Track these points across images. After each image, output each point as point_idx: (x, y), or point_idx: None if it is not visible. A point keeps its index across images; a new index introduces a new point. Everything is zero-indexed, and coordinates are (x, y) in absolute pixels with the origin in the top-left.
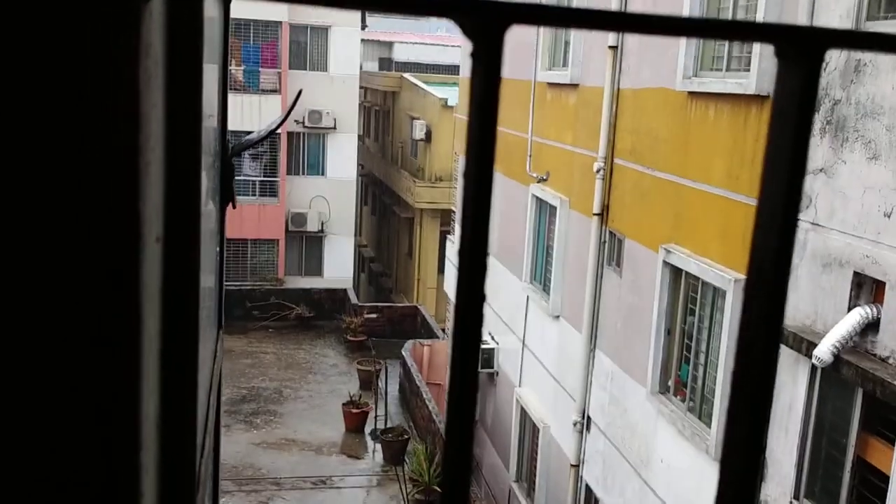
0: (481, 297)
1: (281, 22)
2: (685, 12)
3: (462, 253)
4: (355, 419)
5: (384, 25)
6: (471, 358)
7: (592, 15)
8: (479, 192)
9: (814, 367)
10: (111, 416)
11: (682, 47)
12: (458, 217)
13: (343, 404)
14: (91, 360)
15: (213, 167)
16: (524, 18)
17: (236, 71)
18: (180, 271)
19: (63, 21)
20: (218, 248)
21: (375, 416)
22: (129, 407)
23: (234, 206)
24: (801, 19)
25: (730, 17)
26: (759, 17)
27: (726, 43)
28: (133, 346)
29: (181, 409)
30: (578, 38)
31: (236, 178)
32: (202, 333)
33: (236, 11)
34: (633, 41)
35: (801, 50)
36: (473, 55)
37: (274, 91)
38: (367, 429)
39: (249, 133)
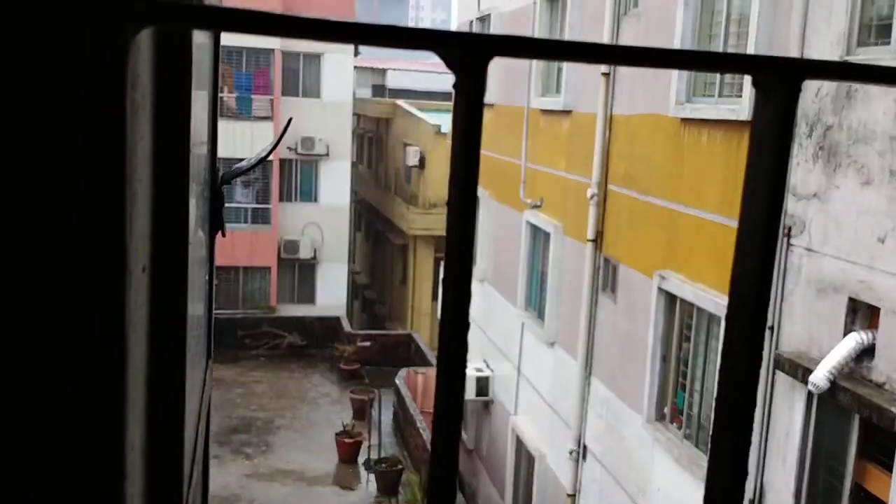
0: (465, 323)
1: (273, 49)
2: (677, 37)
3: (447, 279)
4: (348, 449)
5: (377, 52)
6: (456, 384)
7: (572, 46)
8: (461, 220)
9: (810, 394)
10: (94, 446)
11: (675, 73)
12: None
13: (336, 434)
14: (74, 389)
15: (203, 195)
16: (505, 51)
17: (228, 98)
18: (168, 300)
19: (49, 54)
20: (207, 277)
21: (369, 446)
22: (113, 436)
23: (223, 235)
24: (793, 45)
25: (721, 42)
26: (751, 43)
27: None
28: (117, 375)
29: (168, 439)
30: (571, 65)
31: (228, 204)
32: (190, 362)
33: (228, 39)
34: (625, 68)
35: (778, 80)
36: (456, 87)
37: (266, 118)
38: (361, 459)
39: (241, 160)
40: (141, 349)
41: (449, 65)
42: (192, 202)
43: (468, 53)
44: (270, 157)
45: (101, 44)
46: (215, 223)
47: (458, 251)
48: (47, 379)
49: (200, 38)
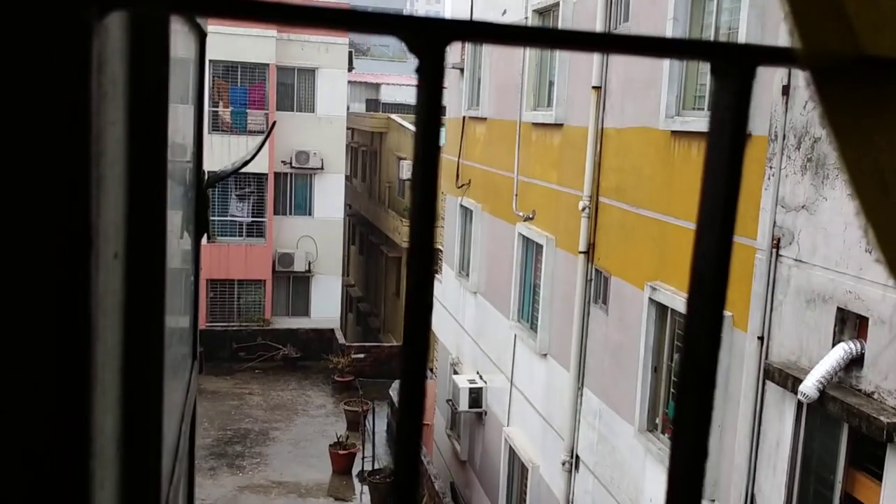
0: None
1: (268, 64)
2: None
3: (410, 258)
4: (343, 461)
5: (371, 67)
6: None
7: (527, 32)
8: (424, 201)
9: (800, 404)
10: (61, 430)
11: (665, 87)
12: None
13: (330, 445)
14: (39, 373)
15: (188, 197)
16: (463, 35)
17: (224, 112)
18: (144, 287)
19: (9, 38)
20: (193, 278)
21: (363, 458)
22: (80, 422)
23: (209, 239)
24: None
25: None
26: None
27: (707, 82)
28: (84, 360)
29: (144, 427)
30: (563, 79)
31: (223, 218)
32: (171, 353)
33: (223, 54)
34: (616, 81)
35: (734, 66)
36: (418, 70)
37: (261, 132)
38: (355, 470)
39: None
40: (114, 333)
41: (411, 48)
42: (179, 204)
43: (428, 37)
44: (266, 171)
45: (63, 27)
46: (201, 225)
47: (420, 234)
48: (9, 363)
49: (183, 52)
